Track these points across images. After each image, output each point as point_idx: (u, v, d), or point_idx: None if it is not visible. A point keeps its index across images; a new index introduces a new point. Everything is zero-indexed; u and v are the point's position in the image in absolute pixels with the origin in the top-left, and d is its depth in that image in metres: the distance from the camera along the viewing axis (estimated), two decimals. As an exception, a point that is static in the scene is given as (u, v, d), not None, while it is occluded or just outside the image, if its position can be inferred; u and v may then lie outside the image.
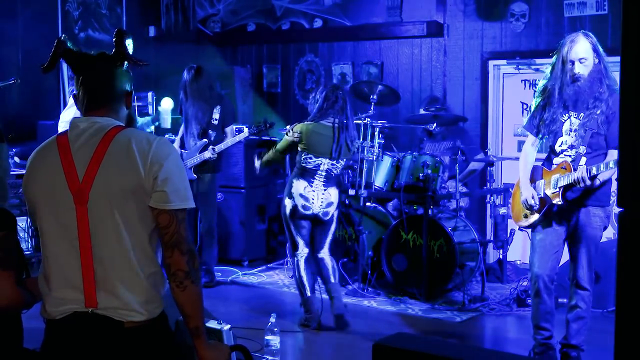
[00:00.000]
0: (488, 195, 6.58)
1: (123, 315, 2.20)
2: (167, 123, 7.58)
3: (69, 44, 2.39)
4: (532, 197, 4.17)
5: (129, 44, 2.42)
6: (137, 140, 2.26)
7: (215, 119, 6.19)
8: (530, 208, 4.19)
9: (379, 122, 6.30)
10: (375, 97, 6.43)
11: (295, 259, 5.25)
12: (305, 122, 5.19)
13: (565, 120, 4.10)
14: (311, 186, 5.13)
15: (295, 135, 5.15)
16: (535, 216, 4.20)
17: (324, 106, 5.16)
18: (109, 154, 2.23)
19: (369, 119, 6.24)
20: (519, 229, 4.46)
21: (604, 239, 5.80)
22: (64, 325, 2.24)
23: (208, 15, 8.53)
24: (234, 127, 6.49)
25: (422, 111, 6.92)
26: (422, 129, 6.76)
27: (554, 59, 4.14)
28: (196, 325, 2.27)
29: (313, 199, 5.14)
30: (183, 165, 2.35)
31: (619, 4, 1.53)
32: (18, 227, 2.53)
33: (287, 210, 5.17)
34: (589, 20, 6.51)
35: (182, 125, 6.36)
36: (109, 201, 2.20)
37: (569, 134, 4.10)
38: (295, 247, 5.26)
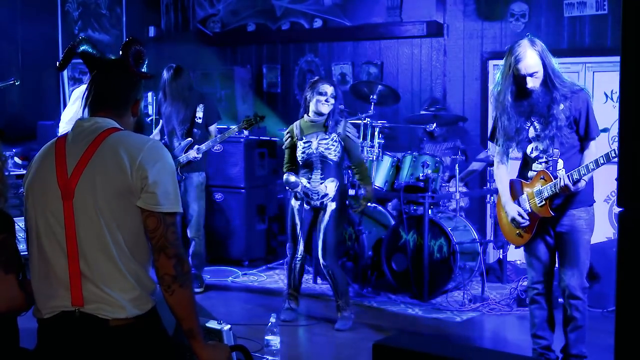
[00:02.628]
0: (488, 195, 6.58)
1: (108, 312, 2.21)
2: None
3: (86, 46, 2.41)
4: (519, 215, 4.04)
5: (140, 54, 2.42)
6: (128, 142, 2.28)
7: (199, 118, 6.08)
8: (519, 226, 4.06)
9: (379, 122, 6.30)
10: (375, 97, 6.43)
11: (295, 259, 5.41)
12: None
13: (529, 127, 4.00)
14: None
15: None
16: (529, 234, 4.07)
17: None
18: (99, 152, 2.25)
19: (369, 119, 6.24)
20: (515, 247, 4.36)
21: (603, 239, 5.82)
22: (53, 326, 2.26)
23: (208, 16, 8.52)
24: (218, 126, 6.47)
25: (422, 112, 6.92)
26: (422, 129, 6.76)
27: (500, 71, 4.02)
28: (189, 327, 2.27)
29: None
30: (174, 169, 2.35)
31: (619, 4, 1.52)
32: (17, 227, 2.53)
33: (294, 211, 5.31)
34: (588, 20, 6.51)
35: (161, 125, 6.23)
36: (93, 198, 2.22)
37: (537, 140, 4.00)
38: (291, 246, 5.41)
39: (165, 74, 6.04)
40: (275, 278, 6.67)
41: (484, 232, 6.86)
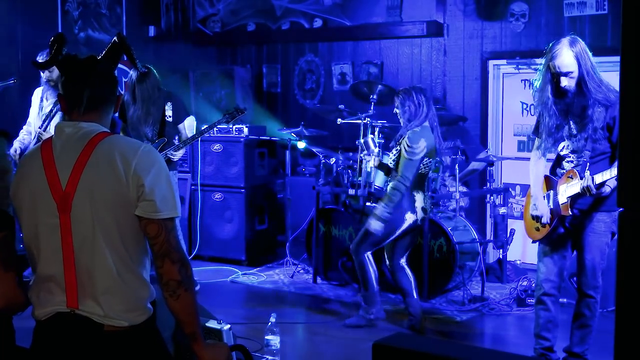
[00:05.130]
0: (488, 195, 6.58)
1: (103, 319, 2.21)
2: None
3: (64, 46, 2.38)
4: (543, 212, 4.09)
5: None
6: (121, 148, 2.23)
7: (169, 116, 5.94)
8: (539, 220, 4.12)
9: (379, 122, 6.29)
10: (375, 97, 6.42)
11: (367, 255, 5.09)
12: (417, 129, 4.92)
13: (565, 126, 4.04)
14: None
15: (424, 150, 4.89)
16: (547, 230, 4.12)
17: (424, 111, 4.96)
18: (92, 161, 2.21)
19: (369, 119, 6.23)
20: (532, 242, 4.38)
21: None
22: (48, 326, 2.26)
23: (208, 15, 8.52)
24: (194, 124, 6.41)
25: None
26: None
27: (541, 66, 4.06)
28: (192, 331, 2.26)
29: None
30: (168, 172, 2.31)
31: (619, 4, 1.53)
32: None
33: (406, 225, 5.00)
34: (588, 20, 6.51)
35: (127, 127, 6.00)
36: (90, 210, 2.19)
37: (570, 139, 4.04)
38: (372, 249, 5.10)
39: (133, 76, 5.89)
40: (275, 278, 6.67)
41: (484, 232, 6.87)
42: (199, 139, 6.21)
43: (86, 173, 2.20)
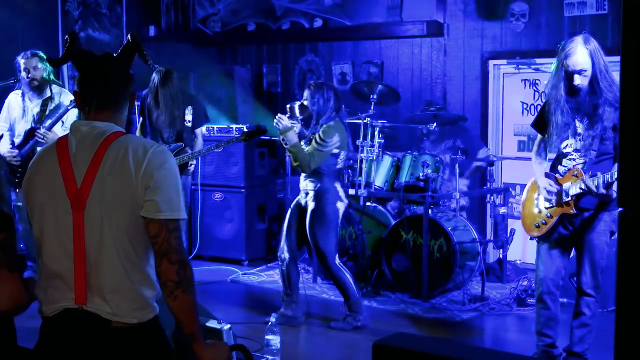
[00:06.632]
0: (488, 195, 6.58)
1: (112, 316, 2.23)
2: None
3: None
4: (551, 185, 4.06)
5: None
6: (133, 148, 2.25)
7: (188, 121, 5.89)
8: (549, 195, 4.08)
9: (379, 121, 6.30)
10: (375, 96, 6.43)
11: (338, 263, 5.13)
12: (331, 123, 5.03)
13: (571, 123, 4.04)
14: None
15: (337, 144, 5.01)
16: (547, 227, 4.11)
17: (337, 104, 5.11)
18: (106, 161, 2.23)
19: (369, 119, 6.24)
20: (530, 238, 4.37)
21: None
22: (55, 322, 2.27)
23: (208, 15, 8.52)
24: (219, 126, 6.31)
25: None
26: (422, 129, 6.76)
27: (553, 65, 4.06)
28: (191, 331, 2.28)
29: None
30: (178, 174, 2.33)
31: (619, 4, 1.54)
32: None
33: (341, 213, 5.14)
34: (589, 20, 6.51)
35: (145, 128, 5.94)
36: (102, 210, 2.21)
37: (574, 137, 4.03)
38: (336, 248, 5.14)
39: (156, 79, 5.81)
40: (275, 278, 6.67)
41: (484, 231, 6.87)
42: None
43: (100, 172, 2.23)
